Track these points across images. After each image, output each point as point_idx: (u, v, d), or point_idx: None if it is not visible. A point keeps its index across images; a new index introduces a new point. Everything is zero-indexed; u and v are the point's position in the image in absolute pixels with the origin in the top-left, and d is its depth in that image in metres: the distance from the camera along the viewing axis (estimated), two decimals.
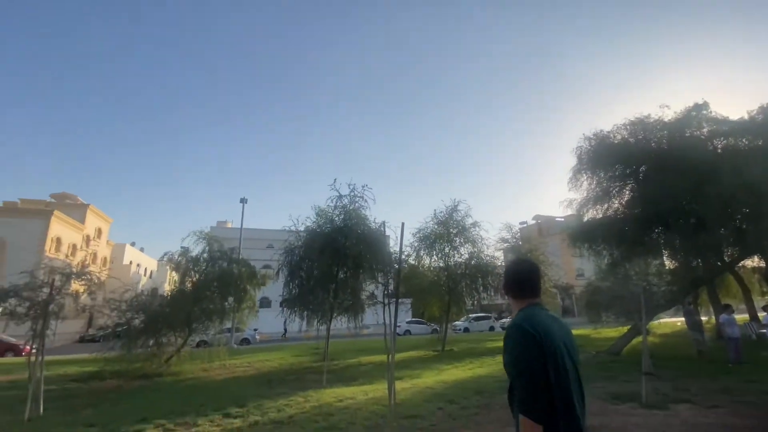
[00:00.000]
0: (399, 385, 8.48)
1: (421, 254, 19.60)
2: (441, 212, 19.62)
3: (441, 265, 19.99)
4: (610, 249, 18.18)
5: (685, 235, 15.65)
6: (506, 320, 36.53)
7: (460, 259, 19.97)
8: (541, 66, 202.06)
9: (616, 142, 17.88)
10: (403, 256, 20.09)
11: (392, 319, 7.04)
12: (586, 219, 19.59)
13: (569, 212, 22.61)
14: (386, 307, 15.68)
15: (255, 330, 30.58)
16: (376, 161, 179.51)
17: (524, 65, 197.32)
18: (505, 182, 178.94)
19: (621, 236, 16.72)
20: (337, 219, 13.38)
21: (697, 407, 6.68)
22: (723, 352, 11.99)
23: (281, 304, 13.99)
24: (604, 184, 18.16)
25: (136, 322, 13.63)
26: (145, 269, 61.41)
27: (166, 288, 25.11)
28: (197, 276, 16.16)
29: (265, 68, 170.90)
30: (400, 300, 19.91)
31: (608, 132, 18.17)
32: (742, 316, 25.15)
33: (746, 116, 16.77)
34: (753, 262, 21.08)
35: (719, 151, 16.20)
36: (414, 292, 22.18)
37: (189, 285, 16.16)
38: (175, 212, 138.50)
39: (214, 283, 15.77)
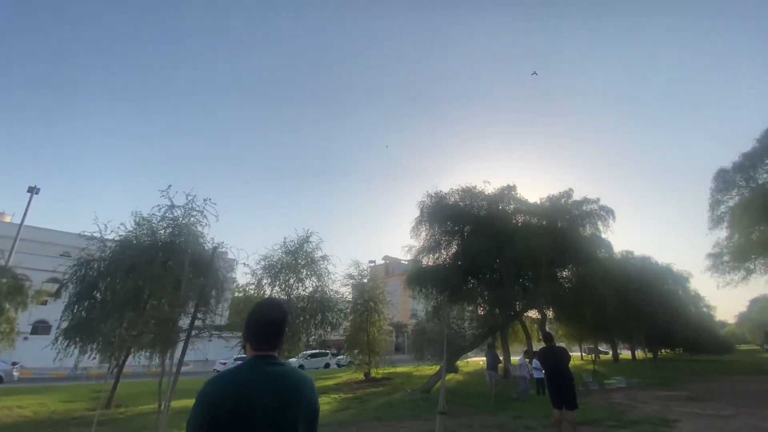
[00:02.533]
0: None
1: (264, 283, 18.36)
2: (292, 241, 19.02)
3: (283, 296, 19.06)
4: (437, 293, 20.60)
5: (491, 288, 18.99)
6: (343, 357, 36.75)
7: (303, 292, 19.45)
8: (399, 134, 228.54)
9: (450, 202, 20.92)
10: (242, 285, 18.44)
11: (181, 356, 5.98)
12: (422, 265, 21.87)
13: (409, 257, 24.96)
14: (209, 341, 13.83)
15: (14, 364, 22.87)
16: (226, 180, 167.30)
17: (378, 137, 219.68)
18: (371, 220, 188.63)
19: (446, 283, 19.19)
20: (162, 232, 11.45)
21: None
22: (509, 389, 14.41)
23: (59, 332, 10.77)
24: (437, 237, 20.82)
25: None
26: None
27: None
28: None
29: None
30: (230, 333, 17.94)
31: (445, 193, 21.20)
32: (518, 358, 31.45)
33: (538, 201, 21.92)
34: (533, 314, 26.79)
35: (519, 224, 20.53)
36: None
37: None
38: None
39: None
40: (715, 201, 26.07)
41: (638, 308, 23.26)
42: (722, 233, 25.52)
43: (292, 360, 33.97)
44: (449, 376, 17.44)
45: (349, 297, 25.23)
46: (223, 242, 11.84)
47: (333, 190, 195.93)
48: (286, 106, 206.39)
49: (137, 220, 11.52)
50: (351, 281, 24.73)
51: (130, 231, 11.44)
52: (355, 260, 24.76)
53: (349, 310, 23.21)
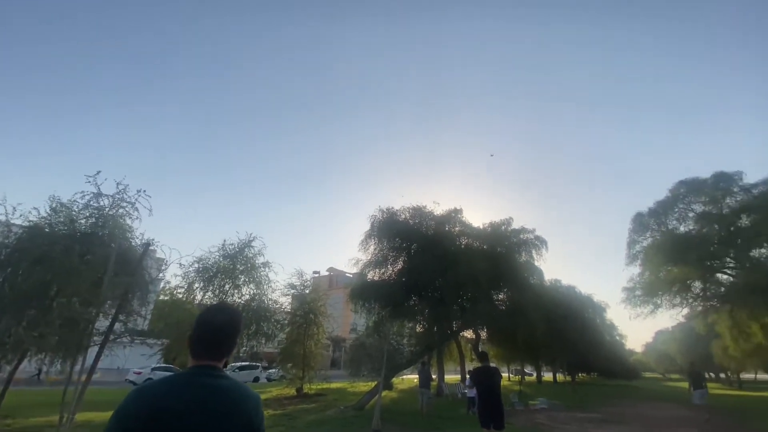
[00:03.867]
0: None
1: (195, 288, 17.10)
2: (232, 245, 18.02)
3: (215, 303, 17.88)
4: (380, 308, 20.58)
5: (432, 306, 19.37)
6: (274, 371, 35.13)
7: (239, 300, 18.41)
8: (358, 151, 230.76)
9: (400, 219, 21.24)
10: (171, 287, 17.08)
11: (94, 363, 5.36)
12: (367, 279, 21.79)
13: (355, 270, 24.77)
14: (128, 347, 12.49)
15: None
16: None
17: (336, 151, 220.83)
18: (321, 231, 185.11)
19: (389, 298, 19.25)
20: (84, 222, 10.30)
21: None
22: (441, 408, 14.59)
23: None
24: (385, 252, 20.96)
25: None
26: None
27: None
28: None
29: None
30: (152, 340, 16.36)
31: (397, 210, 21.54)
32: (453, 377, 32.23)
33: (481, 226, 22.98)
34: (469, 333, 27.67)
35: (463, 247, 21.30)
36: (173, 331, 18.78)
37: None
38: None
39: None
40: (632, 240, 29.12)
41: (563, 334, 25.00)
42: (636, 270, 28.44)
43: None
44: (383, 393, 17.34)
45: (289, 307, 24.36)
46: (154, 239, 10.95)
47: (283, 196, 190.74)
48: (243, 106, 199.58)
49: (54, 205, 10.23)
50: (292, 291, 23.91)
51: (43, 217, 10.13)
52: (299, 270, 23.98)
53: (286, 321, 22.38)
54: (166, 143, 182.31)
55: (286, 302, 24.06)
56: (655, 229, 28.36)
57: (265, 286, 19.29)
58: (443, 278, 18.53)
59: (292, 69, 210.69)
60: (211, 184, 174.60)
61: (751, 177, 25.53)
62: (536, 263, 21.82)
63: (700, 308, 27.87)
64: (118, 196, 10.45)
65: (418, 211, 21.57)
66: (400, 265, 21.22)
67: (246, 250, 18.54)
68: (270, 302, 19.80)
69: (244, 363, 34.84)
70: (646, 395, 28.56)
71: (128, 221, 10.74)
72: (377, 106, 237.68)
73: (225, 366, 1.45)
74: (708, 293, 26.50)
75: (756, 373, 54.09)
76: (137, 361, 24.84)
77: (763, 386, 48.08)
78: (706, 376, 34.37)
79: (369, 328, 22.15)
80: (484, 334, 25.25)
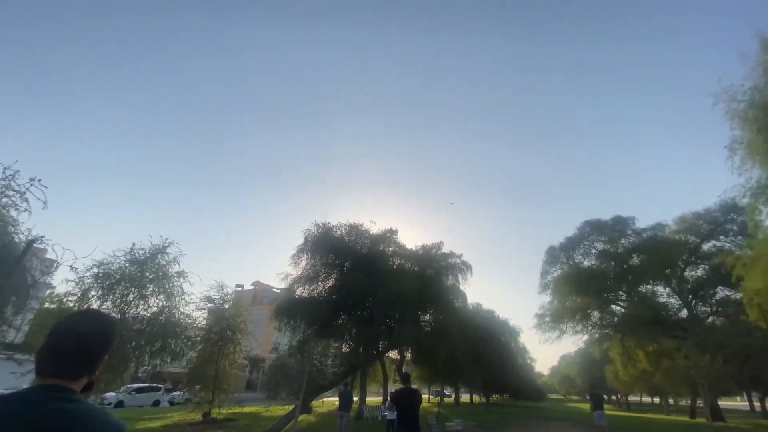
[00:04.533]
0: None
1: (91, 296, 14.90)
2: (142, 250, 16.15)
3: (115, 314, 15.69)
4: (306, 327, 19.76)
5: (360, 325, 19.11)
6: (179, 393, 31.71)
7: (145, 312, 16.41)
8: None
9: (336, 235, 20.94)
10: (59, 293, 14.79)
11: None
12: (295, 295, 20.89)
13: (283, 285, 23.66)
14: None
15: None
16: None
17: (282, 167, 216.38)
18: (248, 242, 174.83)
19: (317, 316, 18.60)
20: None
21: None
22: (359, 431, 14.14)
23: None
24: (317, 268, 20.40)
25: None
26: None
27: None
28: None
29: None
30: (22, 356, 13.82)
31: (333, 226, 21.22)
32: (375, 398, 31.87)
33: (414, 248, 23.54)
34: (394, 354, 27.72)
35: (395, 267, 21.55)
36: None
37: None
38: None
39: None
40: (544, 271, 32.01)
41: (481, 356, 26.21)
42: (547, 298, 31.18)
43: (110, 395, 27.86)
44: (300, 417, 16.40)
45: (204, 323, 22.35)
46: (43, 236, 9.43)
47: (210, 202, 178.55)
48: (178, 105, 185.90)
49: None
50: (209, 305, 22.00)
51: None
52: (219, 282, 22.13)
53: (199, 338, 20.49)
54: (81, 135, 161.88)
55: (200, 317, 22.05)
56: (564, 262, 31.52)
57: (177, 298, 17.51)
58: (374, 297, 18.47)
59: (217, 70, 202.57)
60: (124, 185, 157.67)
61: (643, 222, 29.77)
62: (461, 287, 22.80)
63: (597, 335, 31.24)
64: (3, 182, 8.88)
65: (355, 229, 21.48)
66: (331, 282, 20.76)
67: (159, 256, 16.79)
68: (182, 316, 18.03)
69: (143, 384, 30.93)
70: (552, 416, 30.75)
71: (13, 213, 9.16)
72: (321, 119, 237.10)
73: (89, 388, 1.16)
74: (604, 322, 29.84)
75: (641, 396, 61.26)
76: (6, 381, 20.87)
77: (647, 408, 54.34)
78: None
79: (292, 347, 21.10)
80: (408, 355, 25.45)
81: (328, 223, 21.36)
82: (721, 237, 25.67)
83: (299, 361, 21.02)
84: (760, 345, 15.78)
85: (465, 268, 23.07)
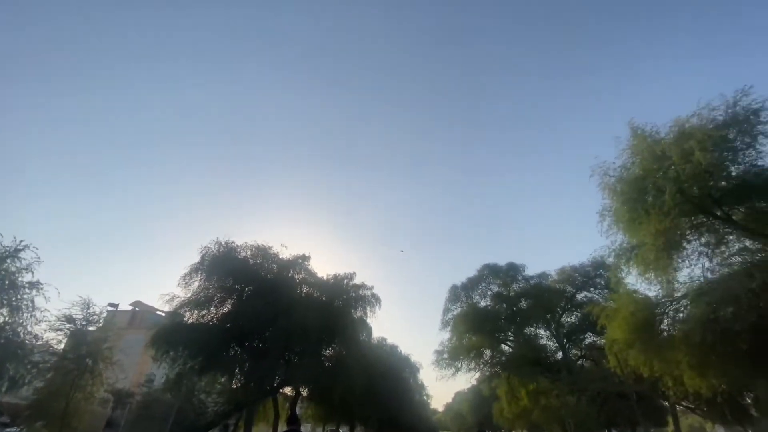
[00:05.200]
0: None
1: None
2: None
3: None
4: (189, 357, 17.40)
5: (254, 358, 17.42)
6: (15, 430, 25.25)
7: None
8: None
9: (240, 257, 19.31)
10: None
11: None
12: (182, 320, 18.44)
13: (168, 308, 20.79)
14: None
15: None
16: None
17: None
18: (131, 256, 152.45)
19: (204, 346, 16.51)
20: None
21: None
22: None
23: None
24: (212, 291, 18.40)
25: None
26: None
27: None
28: None
29: None
30: None
31: (237, 246, 19.57)
32: None
33: (325, 277, 22.78)
34: (289, 391, 25.78)
35: (302, 296, 20.45)
36: None
37: None
38: None
39: None
40: (446, 309, 33.53)
41: (381, 393, 25.82)
42: (447, 335, 32.48)
43: None
44: None
45: (59, 346, 18.42)
46: None
47: (87, 204, 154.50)
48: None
49: None
50: (68, 326, 18.27)
51: None
52: (86, 298, 18.58)
53: (50, 365, 16.85)
54: None
55: (55, 339, 18.14)
56: (464, 301, 33.46)
57: (26, 314, 14.40)
58: (274, 328, 17.13)
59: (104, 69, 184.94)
60: None
61: (531, 270, 33.28)
62: (368, 320, 22.49)
63: (488, 373, 33.22)
64: None
65: (262, 251, 20.08)
66: (227, 308, 18.83)
67: (8, 261, 13.75)
68: (29, 336, 14.73)
69: None
70: None
71: None
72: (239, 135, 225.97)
73: None
74: (494, 360, 31.96)
75: None
76: None
77: None
78: None
79: (169, 380, 18.36)
80: (305, 392, 23.89)
81: (232, 242, 19.67)
82: (591, 289, 29.87)
83: (175, 397, 18.34)
84: (616, 390, 18.25)
85: (374, 300, 22.94)
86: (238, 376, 19.13)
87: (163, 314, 38.80)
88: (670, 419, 22.85)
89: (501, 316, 30.99)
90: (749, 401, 19.49)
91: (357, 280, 22.97)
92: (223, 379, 19.52)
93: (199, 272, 18.40)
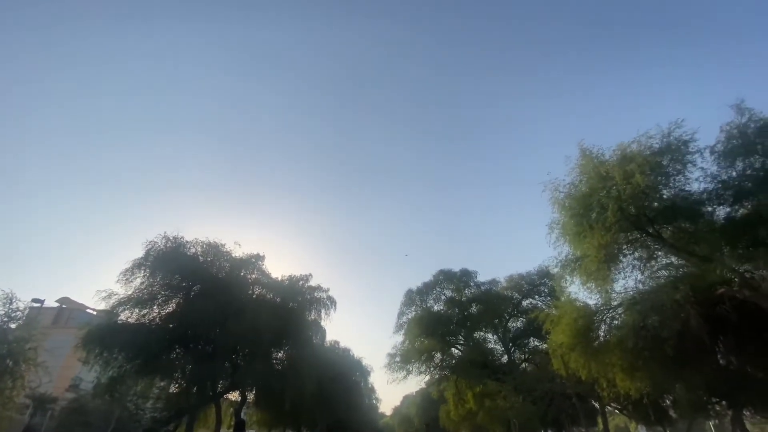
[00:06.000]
0: None
1: None
2: None
3: None
4: (125, 360, 16.14)
5: (199, 361, 16.48)
6: None
7: None
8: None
9: (189, 253, 18.26)
10: None
11: None
12: (118, 320, 17.05)
13: (104, 306, 19.13)
14: None
15: None
16: None
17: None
18: (62, 247, 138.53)
19: (143, 348, 15.39)
20: None
21: None
22: None
23: None
24: (156, 289, 17.21)
25: None
26: None
27: None
28: None
29: None
30: None
31: (187, 241, 18.51)
32: None
33: (280, 278, 22.14)
34: (234, 396, 24.68)
35: (255, 296, 19.73)
36: None
37: None
38: None
39: None
40: (401, 312, 33.95)
41: (330, 397, 25.45)
42: (400, 338, 32.84)
43: None
44: None
45: None
46: None
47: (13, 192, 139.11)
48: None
49: None
50: None
51: None
52: (9, 292, 16.60)
53: None
54: None
55: None
56: (418, 305, 34.06)
57: None
58: (222, 329, 16.34)
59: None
60: None
61: (483, 276, 34.61)
62: (323, 323, 22.17)
63: (437, 376, 34.00)
64: None
65: (214, 249, 19.11)
66: (171, 307, 17.70)
67: None
68: None
69: None
70: None
71: None
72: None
73: None
74: (444, 364, 32.77)
75: None
76: None
77: None
78: None
79: (100, 385, 16.87)
80: (251, 396, 22.97)
81: (181, 237, 18.55)
82: (536, 296, 31.63)
83: (107, 402, 16.88)
84: (560, 391, 19.48)
85: (330, 303, 22.66)
86: (180, 380, 18.04)
87: (95, 312, 35.63)
88: (599, 419, 24.73)
89: (453, 320, 31.90)
90: (669, 403, 21.65)
91: (314, 282, 22.61)
92: (162, 384, 18.27)
93: (143, 268, 17.13)
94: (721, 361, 16.91)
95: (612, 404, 23.05)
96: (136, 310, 16.74)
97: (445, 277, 34.37)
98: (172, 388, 19.08)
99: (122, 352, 15.99)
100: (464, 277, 34.04)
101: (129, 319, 16.91)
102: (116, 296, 16.98)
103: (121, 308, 16.94)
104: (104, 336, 15.79)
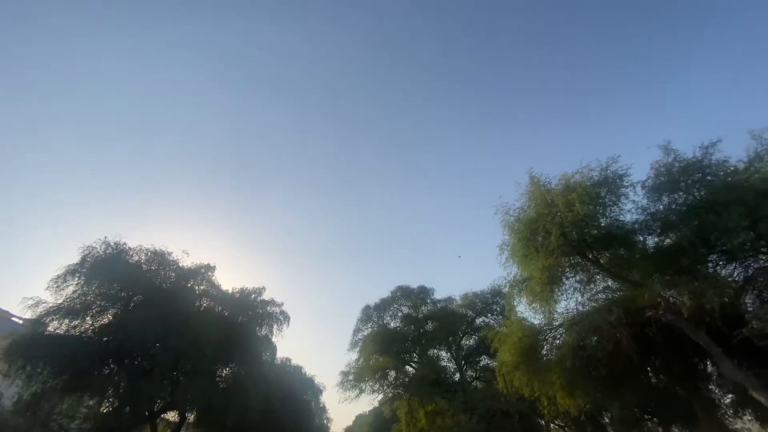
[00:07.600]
0: None
1: None
2: None
3: None
4: (50, 375, 14.77)
5: (134, 378, 15.34)
6: None
7: None
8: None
9: (132, 261, 17.22)
10: None
11: None
12: (46, 331, 15.65)
13: (30, 315, 17.46)
14: None
15: None
16: None
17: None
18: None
19: (72, 362, 14.25)
20: None
21: None
22: None
23: None
24: (91, 299, 15.97)
25: None
26: None
27: None
28: None
29: None
30: None
31: (130, 248, 17.43)
32: None
33: (231, 290, 21.26)
34: (172, 415, 23.05)
35: (201, 309, 18.77)
36: None
37: None
38: None
39: None
40: (357, 329, 33.62)
41: (277, 417, 24.37)
42: (355, 356, 32.39)
43: None
44: None
45: None
46: None
47: None
48: None
49: None
50: None
51: None
52: None
53: None
54: None
55: None
56: (375, 321, 33.93)
57: None
58: (162, 344, 15.37)
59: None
60: None
61: (439, 293, 35.15)
62: (274, 338, 21.38)
63: (390, 395, 33.68)
64: None
65: (160, 257, 18.11)
66: (107, 318, 16.44)
67: None
68: None
69: None
70: None
71: None
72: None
73: None
74: (398, 382, 32.59)
75: None
76: None
77: None
78: None
79: (21, 401, 15.30)
80: (191, 417, 21.56)
81: (123, 243, 17.39)
82: (489, 314, 32.57)
83: (28, 421, 15.26)
84: (502, 408, 20.04)
85: (283, 318, 21.95)
86: (112, 399, 16.66)
87: (20, 322, 32.29)
88: None
89: (408, 337, 32.01)
90: (607, 420, 22.81)
91: (267, 296, 21.90)
92: (92, 402, 16.80)
93: (77, 275, 15.89)
94: (651, 380, 18.21)
95: (556, 421, 23.94)
96: (66, 321, 15.41)
97: (403, 293, 34.61)
98: (103, 407, 17.56)
99: (48, 366, 14.67)
100: (422, 294, 34.44)
101: (58, 330, 15.56)
102: (45, 304, 15.62)
103: (49, 318, 15.59)
104: (29, 347, 14.46)
